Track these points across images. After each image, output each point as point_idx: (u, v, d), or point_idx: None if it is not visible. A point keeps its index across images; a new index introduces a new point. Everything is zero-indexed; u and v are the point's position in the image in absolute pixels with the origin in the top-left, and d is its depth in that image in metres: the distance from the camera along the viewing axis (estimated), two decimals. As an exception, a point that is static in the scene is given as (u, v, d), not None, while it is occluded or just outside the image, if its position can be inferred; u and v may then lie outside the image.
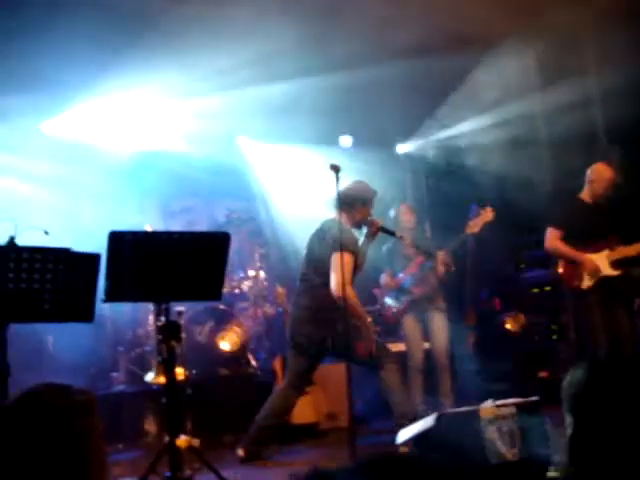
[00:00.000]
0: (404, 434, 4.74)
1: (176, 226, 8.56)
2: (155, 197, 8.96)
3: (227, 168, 9.01)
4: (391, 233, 6.22)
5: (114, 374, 7.39)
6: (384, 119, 9.12)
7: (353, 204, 5.88)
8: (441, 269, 6.95)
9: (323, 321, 5.77)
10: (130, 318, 7.69)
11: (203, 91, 7.77)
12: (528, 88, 8.26)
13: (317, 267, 5.84)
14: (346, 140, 9.58)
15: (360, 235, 6.04)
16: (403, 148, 10.18)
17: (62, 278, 3.97)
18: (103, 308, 5.45)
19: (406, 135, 10.03)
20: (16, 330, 4.06)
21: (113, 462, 5.98)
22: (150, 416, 6.86)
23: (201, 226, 8.78)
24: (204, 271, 4.34)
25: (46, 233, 4.29)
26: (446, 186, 9.27)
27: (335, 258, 5.57)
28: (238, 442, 6.06)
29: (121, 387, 7.27)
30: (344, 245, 5.46)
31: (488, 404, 4.52)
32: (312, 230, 6.07)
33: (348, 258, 5.61)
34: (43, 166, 8.10)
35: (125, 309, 7.62)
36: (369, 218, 5.99)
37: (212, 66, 7.27)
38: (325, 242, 5.81)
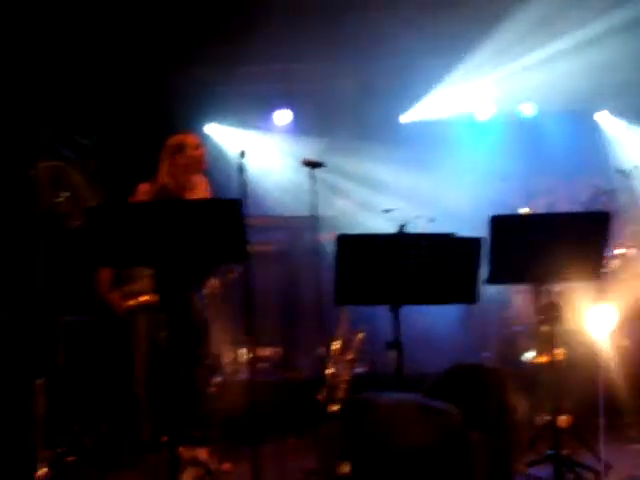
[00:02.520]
0: None
1: (537, 207, 8.53)
2: (515, 178, 8.99)
3: (586, 144, 8.85)
4: None
5: (484, 354, 7.59)
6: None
7: None
8: None
9: None
10: (496, 299, 7.80)
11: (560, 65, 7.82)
12: None
13: None
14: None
15: None
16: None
17: (447, 262, 4.20)
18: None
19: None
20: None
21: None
22: (519, 395, 6.94)
23: (562, 206, 8.65)
24: (587, 251, 4.35)
25: (431, 220, 4.55)
26: None
27: None
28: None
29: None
30: None
31: None
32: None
33: None
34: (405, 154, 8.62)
35: (490, 290, 7.74)
36: None
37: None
38: None
